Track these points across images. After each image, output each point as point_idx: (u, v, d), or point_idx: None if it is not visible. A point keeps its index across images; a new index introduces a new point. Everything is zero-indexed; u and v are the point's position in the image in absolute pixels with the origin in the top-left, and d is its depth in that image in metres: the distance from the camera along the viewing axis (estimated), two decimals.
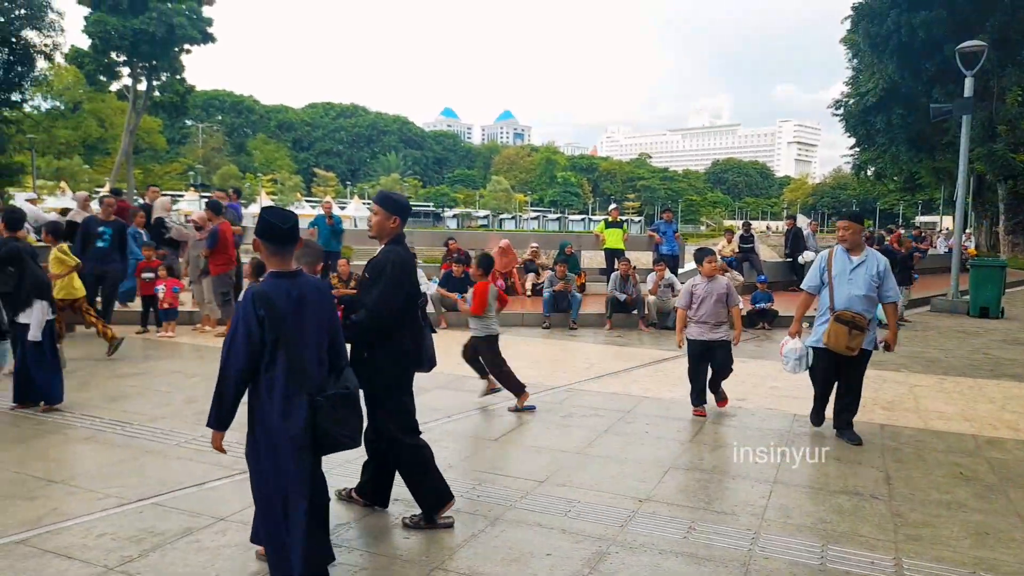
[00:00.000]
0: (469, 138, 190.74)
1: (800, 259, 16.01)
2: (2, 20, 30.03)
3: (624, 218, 15.86)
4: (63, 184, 46.37)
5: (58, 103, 49.60)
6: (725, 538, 3.87)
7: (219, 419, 3.05)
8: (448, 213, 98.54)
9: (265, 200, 55.24)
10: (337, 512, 4.13)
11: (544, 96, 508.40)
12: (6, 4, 29.68)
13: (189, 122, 77.04)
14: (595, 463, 5.05)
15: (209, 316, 10.29)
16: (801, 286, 6.03)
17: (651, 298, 11.49)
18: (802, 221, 17.66)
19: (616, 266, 12.31)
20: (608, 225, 14.81)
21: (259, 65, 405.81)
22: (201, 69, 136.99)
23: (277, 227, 3.13)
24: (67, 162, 51.77)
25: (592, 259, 17.53)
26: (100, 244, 9.49)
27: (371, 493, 4.18)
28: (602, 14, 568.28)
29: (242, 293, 3.20)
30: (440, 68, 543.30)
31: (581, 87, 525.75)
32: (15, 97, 33.32)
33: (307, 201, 72.46)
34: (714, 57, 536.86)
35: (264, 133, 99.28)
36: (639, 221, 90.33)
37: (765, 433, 5.81)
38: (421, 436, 4.08)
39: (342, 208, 58.63)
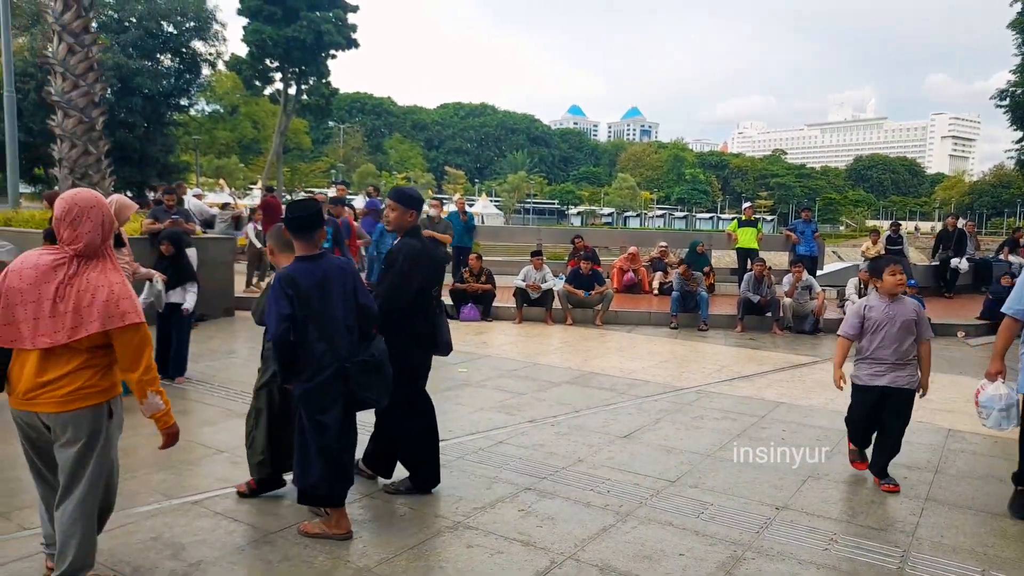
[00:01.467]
0: (595, 136, 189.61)
1: (954, 264, 14.61)
2: (175, 32, 33.19)
3: (757, 217, 15.20)
4: (222, 181, 50.55)
5: (218, 107, 54.13)
6: (870, 553, 3.68)
7: (284, 378, 3.63)
8: (572, 211, 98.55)
9: None
10: (474, 497, 4.28)
11: (673, 92, 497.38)
12: (178, 18, 32.76)
13: (332, 123, 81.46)
14: (728, 467, 4.94)
15: None
16: (1003, 309, 4.27)
17: (787, 300, 11.00)
18: (959, 222, 16.08)
19: (749, 266, 11.88)
20: (741, 224, 14.30)
21: (397, 68, 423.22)
22: (344, 73, 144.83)
23: (289, 218, 3.59)
24: (226, 161, 56.42)
25: (721, 258, 16.99)
26: (324, 244, 9.91)
27: (376, 463, 4.39)
28: (734, 5, 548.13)
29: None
30: (568, 66, 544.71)
31: (712, 82, 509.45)
32: (183, 102, 36.78)
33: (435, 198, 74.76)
34: (859, 48, 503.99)
35: (399, 133, 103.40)
36: (772, 220, 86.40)
37: (916, 447, 5.44)
38: (425, 415, 4.27)
39: (470, 205, 60.13)
